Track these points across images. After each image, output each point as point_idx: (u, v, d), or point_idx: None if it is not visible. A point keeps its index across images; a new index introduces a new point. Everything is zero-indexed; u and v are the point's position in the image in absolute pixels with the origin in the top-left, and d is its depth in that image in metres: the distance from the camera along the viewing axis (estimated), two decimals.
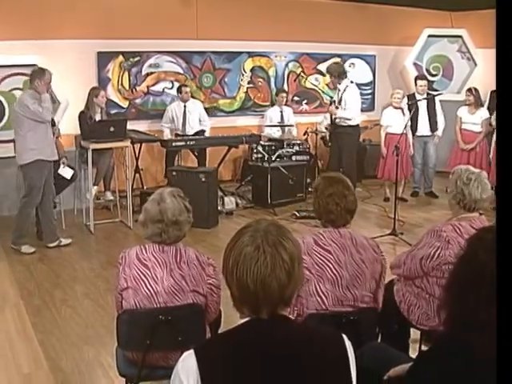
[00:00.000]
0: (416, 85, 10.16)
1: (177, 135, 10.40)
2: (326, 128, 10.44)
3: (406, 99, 9.88)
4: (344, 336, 2.09)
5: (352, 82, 9.55)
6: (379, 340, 3.60)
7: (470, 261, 2.10)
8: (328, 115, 9.69)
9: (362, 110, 9.73)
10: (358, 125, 9.50)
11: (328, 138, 10.66)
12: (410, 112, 9.04)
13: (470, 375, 1.98)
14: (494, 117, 9.30)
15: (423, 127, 10.11)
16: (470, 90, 9.88)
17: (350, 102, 9.21)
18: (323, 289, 3.27)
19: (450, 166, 8.80)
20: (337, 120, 9.38)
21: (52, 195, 7.63)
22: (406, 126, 8.69)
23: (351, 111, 9.21)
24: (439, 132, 10.16)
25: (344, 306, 3.31)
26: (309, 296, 3.28)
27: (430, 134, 10.15)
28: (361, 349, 2.84)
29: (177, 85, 10.86)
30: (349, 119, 9.24)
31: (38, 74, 7.14)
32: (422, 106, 10.00)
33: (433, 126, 10.10)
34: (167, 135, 10.39)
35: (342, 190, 3.42)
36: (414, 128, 10.04)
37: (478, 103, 9.77)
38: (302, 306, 3.30)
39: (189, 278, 3.31)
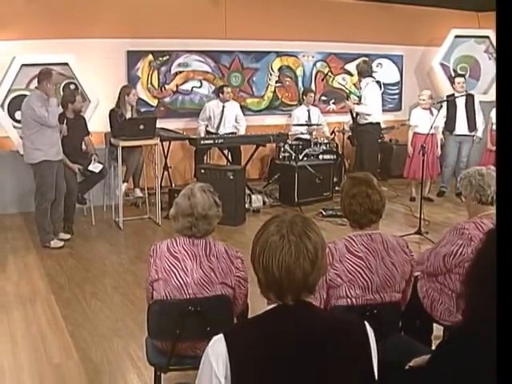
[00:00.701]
0: (454, 83, 10.16)
1: (208, 132, 10.51)
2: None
3: (430, 100, 9.79)
4: (366, 323, 2.16)
5: (378, 81, 9.61)
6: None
7: (487, 255, 2.10)
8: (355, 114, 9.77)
9: (388, 110, 9.76)
10: (378, 123, 9.62)
11: (351, 136, 10.73)
12: (441, 111, 9.03)
13: (486, 367, 1.98)
14: None
15: (461, 126, 10.02)
16: None
17: (369, 97, 9.37)
18: (353, 293, 3.27)
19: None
20: (358, 117, 9.52)
21: (63, 193, 7.65)
22: (431, 127, 8.68)
23: (370, 107, 9.36)
24: (479, 133, 10.07)
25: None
26: (338, 298, 3.29)
27: (467, 133, 10.05)
28: (384, 340, 2.89)
29: (205, 84, 11.05)
30: (368, 114, 9.38)
31: (46, 76, 7.10)
32: (461, 104, 9.96)
33: (471, 125, 10.01)
34: (200, 132, 10.50)
35: (366, 189, 3.34)
36: (451, 126, 10.02)
37: None
38: (329, 305, 3.32)
39: (218, 271, 3.38)
